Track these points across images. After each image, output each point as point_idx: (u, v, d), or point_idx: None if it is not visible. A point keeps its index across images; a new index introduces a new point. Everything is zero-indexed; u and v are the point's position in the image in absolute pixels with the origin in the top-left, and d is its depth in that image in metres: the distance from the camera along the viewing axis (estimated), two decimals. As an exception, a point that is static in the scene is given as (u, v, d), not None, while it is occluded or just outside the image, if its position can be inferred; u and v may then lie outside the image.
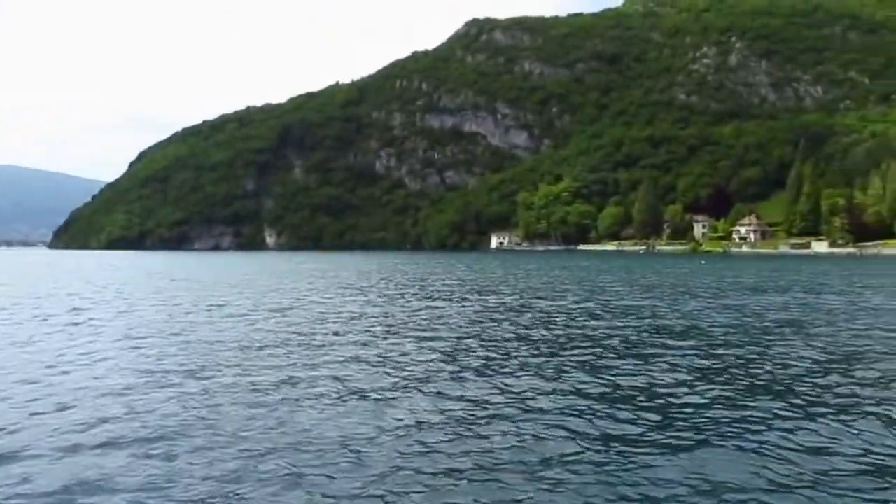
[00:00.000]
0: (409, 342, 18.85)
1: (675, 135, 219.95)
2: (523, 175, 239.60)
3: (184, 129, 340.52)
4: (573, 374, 14.25)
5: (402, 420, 10.71)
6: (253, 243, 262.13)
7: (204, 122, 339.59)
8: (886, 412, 10.60)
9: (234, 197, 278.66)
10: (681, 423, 10.52)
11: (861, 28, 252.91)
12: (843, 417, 10.59)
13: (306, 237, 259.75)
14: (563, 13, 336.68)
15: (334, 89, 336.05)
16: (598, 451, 9.20)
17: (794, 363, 15.47)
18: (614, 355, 16.61)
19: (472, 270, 67.76)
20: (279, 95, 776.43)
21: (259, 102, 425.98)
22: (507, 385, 13.19)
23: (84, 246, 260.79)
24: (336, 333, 20.72)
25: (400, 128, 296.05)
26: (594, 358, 16.22)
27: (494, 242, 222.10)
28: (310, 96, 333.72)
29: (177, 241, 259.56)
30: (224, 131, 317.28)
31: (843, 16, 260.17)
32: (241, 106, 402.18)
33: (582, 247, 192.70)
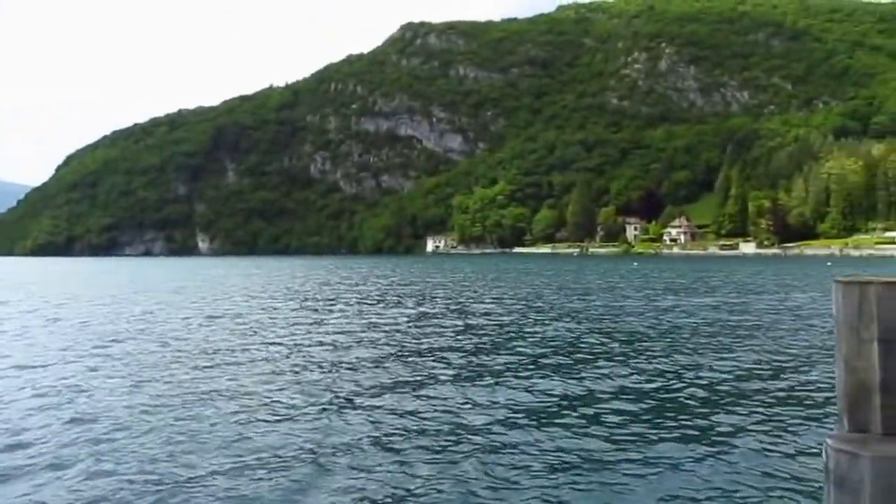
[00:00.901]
0: (344, 352, 17.57)
1: (607, 138, 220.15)
2: (458, 179, 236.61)
3: (113, 132, 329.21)
4: (501, 381, 13.60)
5: (325, 434, 9.87)
6: (185, 248, 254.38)
7: (134, 124, 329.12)
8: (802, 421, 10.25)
9: (165, 201, 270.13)
10: (603, 429, 10.06)
11: (784, 35, 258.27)
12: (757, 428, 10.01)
13: (240, 242, 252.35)
14: (497, 18, 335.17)
15: (268, 92, 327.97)
16: (523, 460, 8.62)
17: (720, 368, 14.81)
18: (549, 360, 16.02)
19: (407, 275, 65.66)
20: (212, 98, 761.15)
21: (191, 105, 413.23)
22: (433, 393, 12.53)
23: (9, 252, 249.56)
24: (269, 344, 19.07)
25: (335, 131, 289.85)
26: (528, 364, 15.44)
27: (430, 246, 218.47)
28: (243, 99, 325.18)
29: (106, 247, 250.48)
30: (155, 134, 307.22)
31: (767, 23, 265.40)
32: (172, 108, 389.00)
33: (517, 250, 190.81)
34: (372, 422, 10.46)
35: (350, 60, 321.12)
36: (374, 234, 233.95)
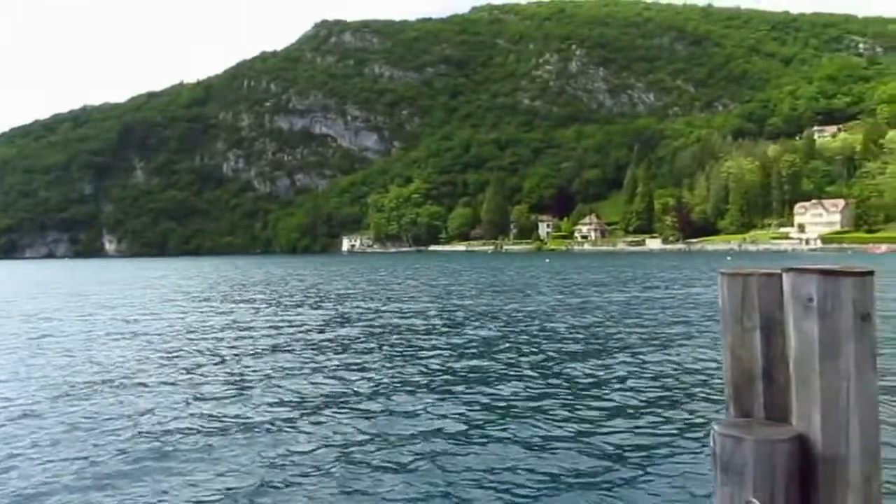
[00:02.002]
0: (259, 355, 16.65)
1: (520, 138, 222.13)
2: (374, 177, 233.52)
3: (11, 129, 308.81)
4: (412, 378, 13.27)
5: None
6: (91, 250, 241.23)
7: (35, 121, 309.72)
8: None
9: (70, 201, 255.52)
10: (513, 418, 9.93)
11: (687, 40, 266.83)
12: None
13: (150, 243, 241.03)
14: (412, 18, 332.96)
15: (178, 88, 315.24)
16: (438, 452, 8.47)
17: (625, 360, 15.00)
18: (468, 355, 15.92)
19: (322, 275, 63.59)
20: (118, 94, 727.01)
21: (96, 101, 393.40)
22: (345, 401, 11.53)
23: None
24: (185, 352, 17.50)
25: (248, 129, 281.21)
26: (447, 360, 15.18)
27: (346, 245, 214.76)
28: (151, 95, 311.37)
29: (4, 249, 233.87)
30: (58, 131, 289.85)
31: (671, 28, 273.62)
32: (76, 104, 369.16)
33: (433, 247, 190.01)
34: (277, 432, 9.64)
35: (264, 57, 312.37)
36: (288, 234, 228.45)
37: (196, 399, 11.62)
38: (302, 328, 21.00)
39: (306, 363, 15.00)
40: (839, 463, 2.35)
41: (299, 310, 27.66)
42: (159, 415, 10.58)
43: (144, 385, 12.88)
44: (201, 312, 27.40)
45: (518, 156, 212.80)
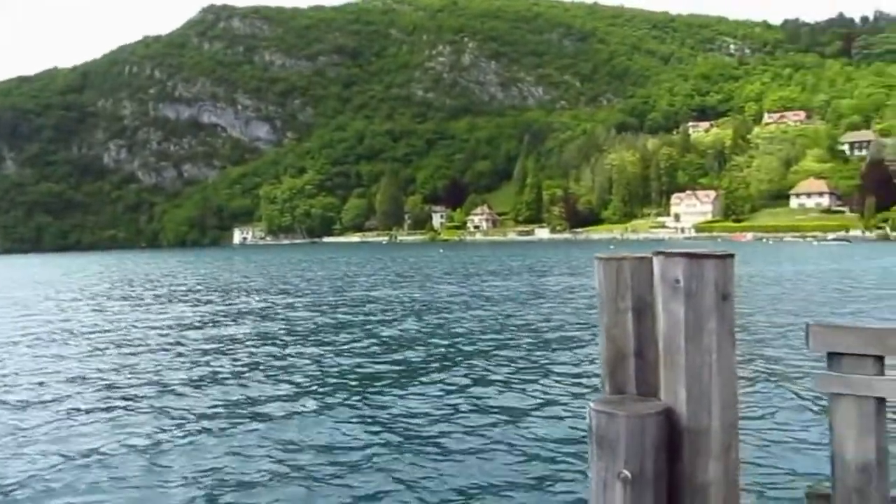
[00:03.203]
0: (151, 353, 15.75)
1: (413, 129, 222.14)
2: (266, 168, 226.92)
3: None
4: (291, 371, 12.78)
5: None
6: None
7: None
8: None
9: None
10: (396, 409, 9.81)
11: (574, 36, 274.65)
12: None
13: (22, 239, 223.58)
14: (303, 5, 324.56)
15: (52, 74, 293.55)
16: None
17: (514, 344, 15.30)
18: (367, 346, 15.66)
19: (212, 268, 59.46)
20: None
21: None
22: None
23: None
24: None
25: (130, 118, 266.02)
26: (331, 354, 14.76)
27: (238, 238, 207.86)
28: (22, 81, 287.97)
29: None
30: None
31: (559, 24, 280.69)
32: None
33: (327, 239, 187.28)
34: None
35: (146, 42, 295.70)
36: (176, 227, 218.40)
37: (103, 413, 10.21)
38: (178, 327, 19.48)
39: (189, 365, 14.00)
40: (702, 434, 2.44)
41: (177, 307, 24.66)
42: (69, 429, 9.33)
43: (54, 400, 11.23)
44: (85, 312, 24.13)
45: (412, 147, 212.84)
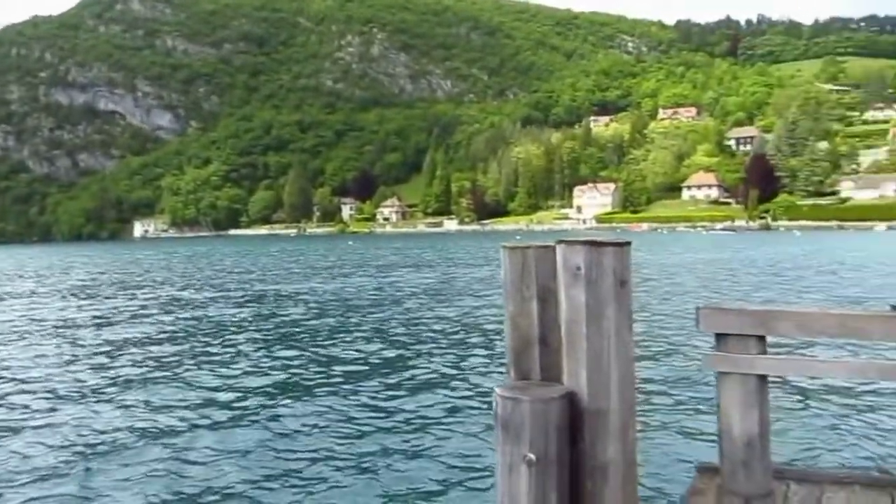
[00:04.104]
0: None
1: (322, 120, 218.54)
2: (169, 158, 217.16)
3: None
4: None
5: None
6: None
7: None
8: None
9: None
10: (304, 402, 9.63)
11: (481, 30, 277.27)
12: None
13: None
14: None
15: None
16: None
17: (424, 335, 15.36)
18: (276, 339, 15.34)
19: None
20: None
21: None
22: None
23: None
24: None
25: (19, 103, 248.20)
26: (229, 351, 14.12)
27: (139, 230, 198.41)
28: None
29: None
30: None
31: (467, 18, 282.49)
32: None
33: (233, 232, 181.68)
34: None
35: (36, 23, 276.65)
36: (71, 220, 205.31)
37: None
38: (66, 327, 17.82)
39: (75, 371, 12.55)
40: (602, 415, 2.50)
41: (67, 304, 22.49)
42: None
43: None
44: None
45: (321, 138, 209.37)
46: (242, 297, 25.53)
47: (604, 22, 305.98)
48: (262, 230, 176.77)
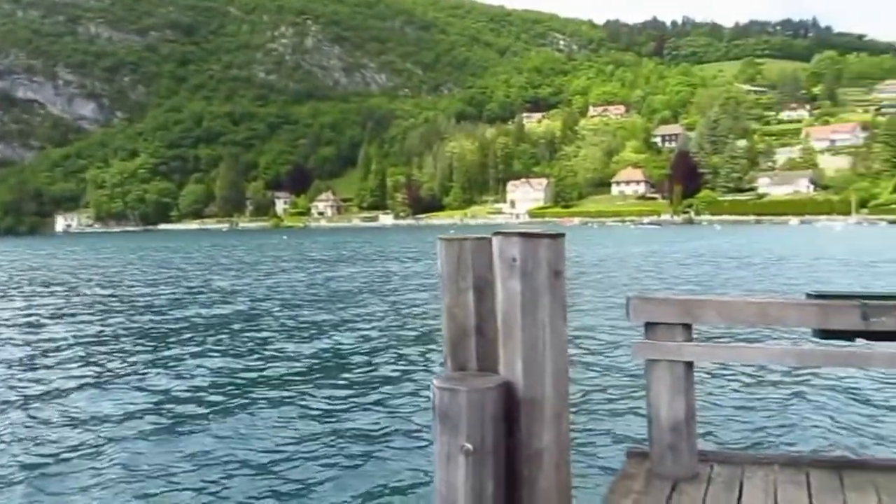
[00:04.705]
0: None
1: (255, 112, 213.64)
2: (93, 150, 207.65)
3: None
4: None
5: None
6: None
7: None
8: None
9: None
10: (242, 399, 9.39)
11: (416, 25, 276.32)
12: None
13: None
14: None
15: None
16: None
17: (361, 329, 15.15)
18: (202, 337, 14.67)
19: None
20: None
21: None
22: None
23: None
24: None
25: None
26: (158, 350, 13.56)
27: (61, 225, 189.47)
28: None
29: None
30: None
31: (401, 11, 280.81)
32: None
33: (163, 226, 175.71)
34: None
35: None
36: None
37: None
38: None
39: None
40: (536, 404, 2.53)
41: None
42: None
43: None
44: None
45: (253, 131, 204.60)
46: (173, 294, 24.75)
47: (536, 20, 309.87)
48: (193, 225, 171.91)
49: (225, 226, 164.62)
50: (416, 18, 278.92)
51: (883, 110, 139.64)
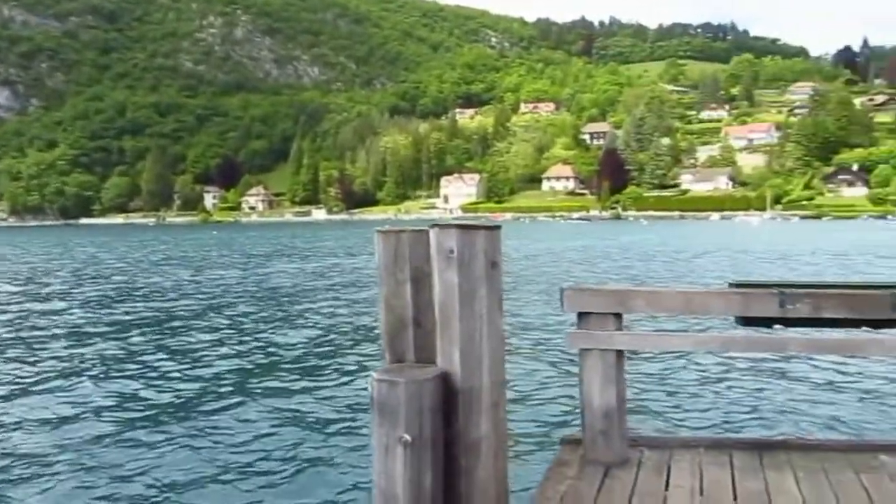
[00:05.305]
0: None
1: (183, 103, 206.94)
2: (7, 139, 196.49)
3: None
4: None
5: None
6: None
7: None
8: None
9: None
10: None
11: (349, 18, 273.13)
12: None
13: None
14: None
15: None
16: None
17: (296, 325, 14.99)
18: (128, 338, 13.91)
19: None
20: None
21: None
22: None
23: None
24: None
25: None
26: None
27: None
28: None
29: None
30: None
31: (334, 4, 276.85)
32: None
33: (85, 220, 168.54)
34: None
35: None
36: None
37: None
38: None
39: None
40: (474, 393, 2.55)
41: None
42: None
43: None
44: None
45: (181, 122, 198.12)
46: (98, 292, 23.77)
47: (468, 16, 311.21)
48: (118, 219, 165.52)
49: (151, 220, 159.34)
50: (349, 12, 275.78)
51: (795, 111, 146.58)
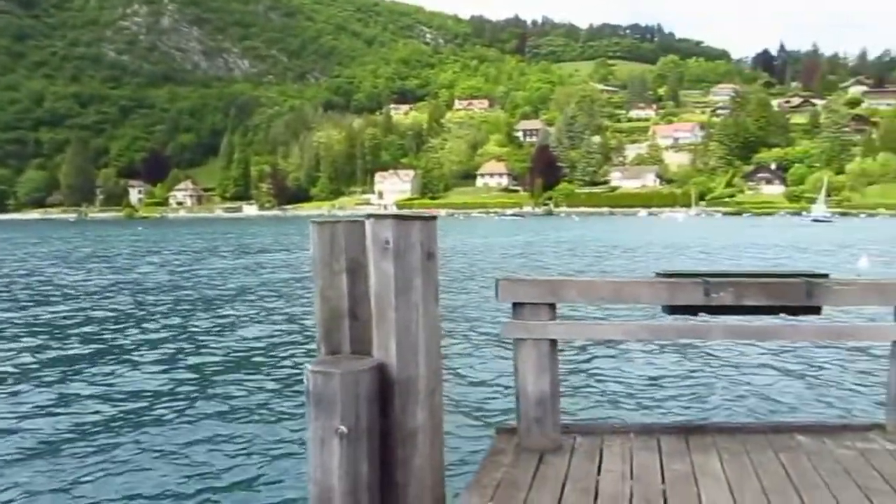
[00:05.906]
0: None
1: (105, 94, 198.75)
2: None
3: None
4: None
5: None
6: None
7: None
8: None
9: None
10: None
11: (281, 11, 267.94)
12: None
13: None
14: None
15: None
16: None
17: (229, 322, 14.68)
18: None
19: None
20: None
21: None
22: None
23: None
24: None
25: None
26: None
27: None
28: None
29: None
30: None
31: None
32: None
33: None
34: None
35: None
36: None
37: None
38: None
39: None
40: (410, 382, 2.55)
41: None
42: None
43: None
44: None
45: (104, 114, 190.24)
46: (7, 292, 22.62)
47: (403, 11, 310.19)
48: (34, 214, 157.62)
49: (72, 216, 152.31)
50: (281, 4, 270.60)
51: (717, 111, 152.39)
